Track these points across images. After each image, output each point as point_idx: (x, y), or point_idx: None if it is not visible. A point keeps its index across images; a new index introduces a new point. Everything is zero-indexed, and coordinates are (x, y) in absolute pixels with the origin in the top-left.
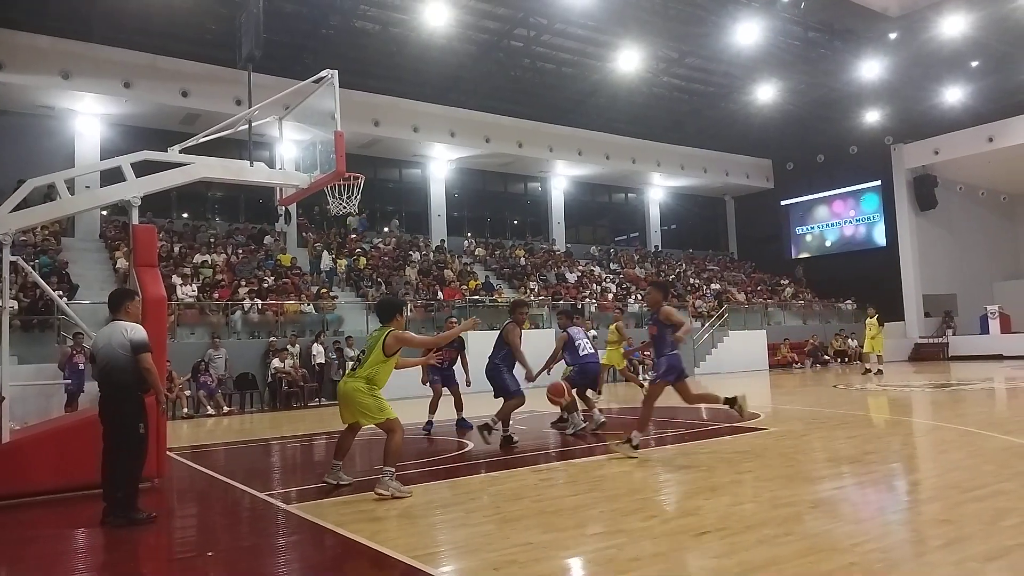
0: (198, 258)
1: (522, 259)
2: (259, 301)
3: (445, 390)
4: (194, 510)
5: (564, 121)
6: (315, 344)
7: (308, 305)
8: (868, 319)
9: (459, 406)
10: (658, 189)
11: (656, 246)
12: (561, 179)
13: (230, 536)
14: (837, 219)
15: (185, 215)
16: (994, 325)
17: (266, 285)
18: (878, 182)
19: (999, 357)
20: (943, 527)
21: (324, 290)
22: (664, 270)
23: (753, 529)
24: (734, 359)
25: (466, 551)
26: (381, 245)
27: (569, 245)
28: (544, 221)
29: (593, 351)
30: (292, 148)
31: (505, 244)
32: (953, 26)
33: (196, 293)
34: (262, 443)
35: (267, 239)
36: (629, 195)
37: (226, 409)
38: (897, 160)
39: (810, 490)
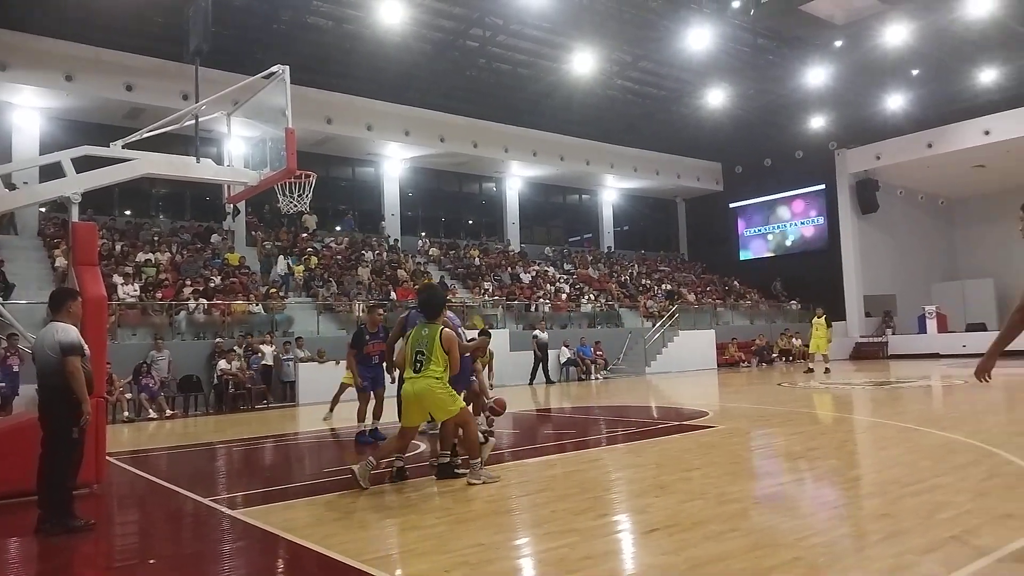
0: (141, 256)
1: (477, 259)
2: (204, 301)
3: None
4: (135, 517)
5: (519, 122)
6: (263, 345)
7: (256, 305)
8: (816, 319)
9: (378, 414)
10: (611, 191)
11: (609, 247)
12: (516, 179)
13: (172, 543)
14: (783, 221)
15: (128, 212)
16: (931, 325)
17: (213, 285)
18: (822, 186)
19: (936, 356)
20: (883, 521)
21: (273, 290)
22: (616, 271)
23: (701, 525)
24: (684, 358)
25: (417, 554)
26: (333, 244)
27: (524, 245)
28: (499, 221)
29: None
30: (241, 145)
31: (460, 244)
32: (895, 35)
33: (138, 293)
34: (206, 447)
35: (214, 237)
36: (583, 196)
37: (169, 412)
38: (840, 164)
39: (756, 486)
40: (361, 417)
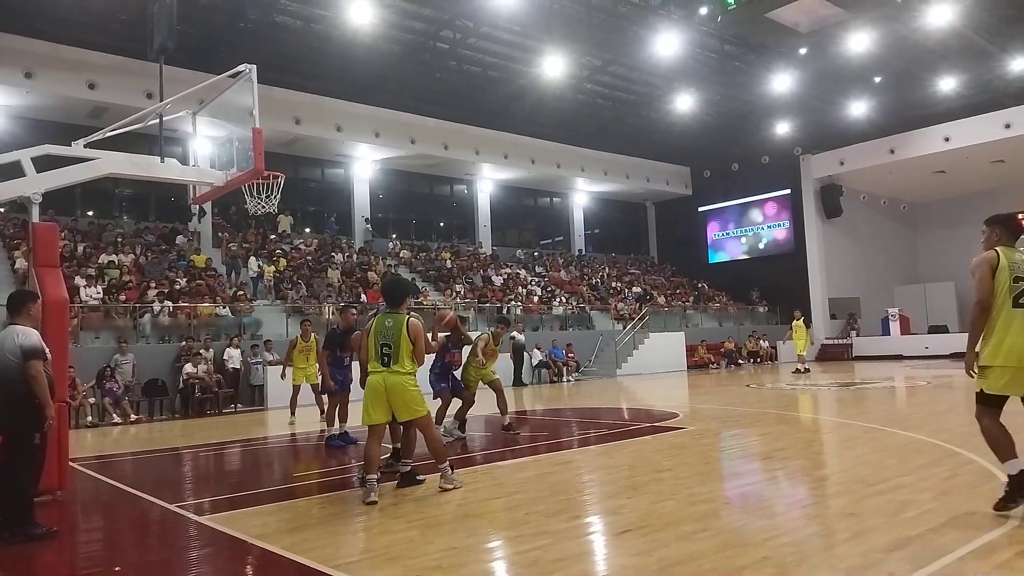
0: (104, 258)
1: (448, 261)
2: (169, 304)
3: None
4: (99, 524)
5: (490, 124)
6: (229, 348)
7: (223, 308)
8: (795, 321)
9: (344, 416)
10: (582, 194)
11: (580, 250)
12: (487, 182)
13: (138, 550)
14: (750, 226)
15: (90, 213)
16: (894, 327)
17: (178, 287)
18: (788, 190)
19: (899, 357)
20: (849, 520)
21: (241, 292)
22: (587, 273)
23: (672, 526)
24: (654, 360)
25: (389, 558)
26: (303, 246)
27: (495, 248)
28: (470, 224)
29: None
30: (207, 144)
31: (431, 246)
32: (858, 43)
33: (101, 295)
34: (172, 452)
35: (179, 239)
36: (554, 199)
37: (133, 417)
38: (805, 170)
39: (726, 486)
40: (330, 421)
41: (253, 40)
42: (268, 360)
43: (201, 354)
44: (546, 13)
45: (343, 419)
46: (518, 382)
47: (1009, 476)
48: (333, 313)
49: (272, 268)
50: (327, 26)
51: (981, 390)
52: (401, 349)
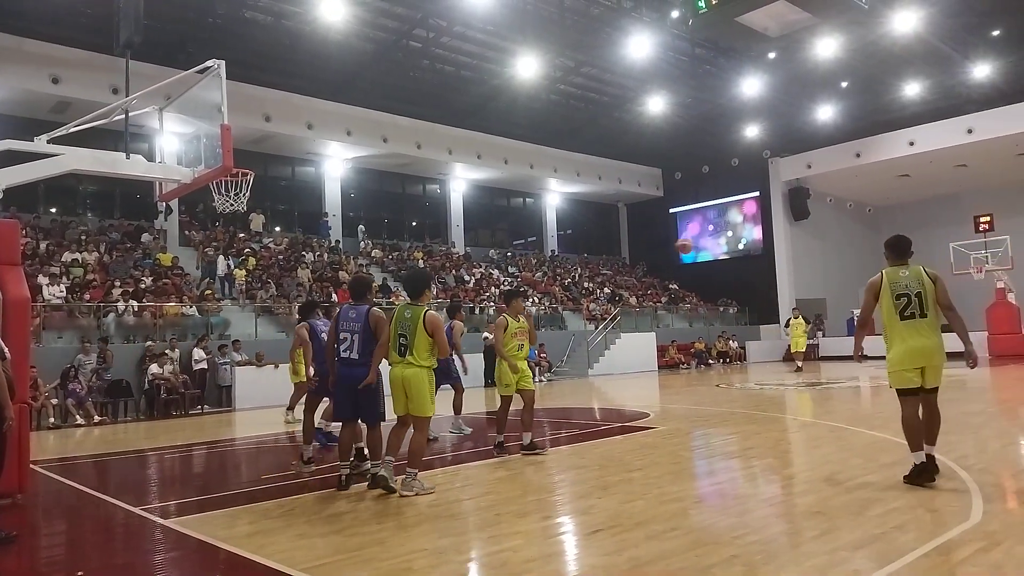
0: (67, 256)
1: (420, 261)
2: (135, 303)
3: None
4: (61, 527)
5: (463, 124)
6: (197, 349)
7: (190, 307)
8: (794, 319)
9: (329, 415)
10: (555, 195)
11: (553, 250)
12: (460, 182)
13: (101, 554)
14: (720, 227)
15: (53, 210)
16: None
17: (143, 286)
18: (757, 193)
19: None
20: (816, 518)
21: (209, 291)
22: (560, 274)
23: (642, 526)
24: (626, 360)
25: (359, 561)
26: (272, 245)
27: (468, 248)
28: (443, 223)
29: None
30: (174, 141)
31: (403, 246)
32: (826, 48)
33: (64, 294)
34: (137, 454)
35: (145, 237)
36: (527, 200)
37: (97, 419)
38: (774, 173)
39: (695, 486)
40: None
41: (223, 36)
42: (236, 361)
43: (167, 354)
44: (519, 14)
45: (326, 417)
46: (489, 382)
47: (913, 464)
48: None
49: (243, 272)
50: (298, 23)
51: (896, 388)
52: (417, 341)
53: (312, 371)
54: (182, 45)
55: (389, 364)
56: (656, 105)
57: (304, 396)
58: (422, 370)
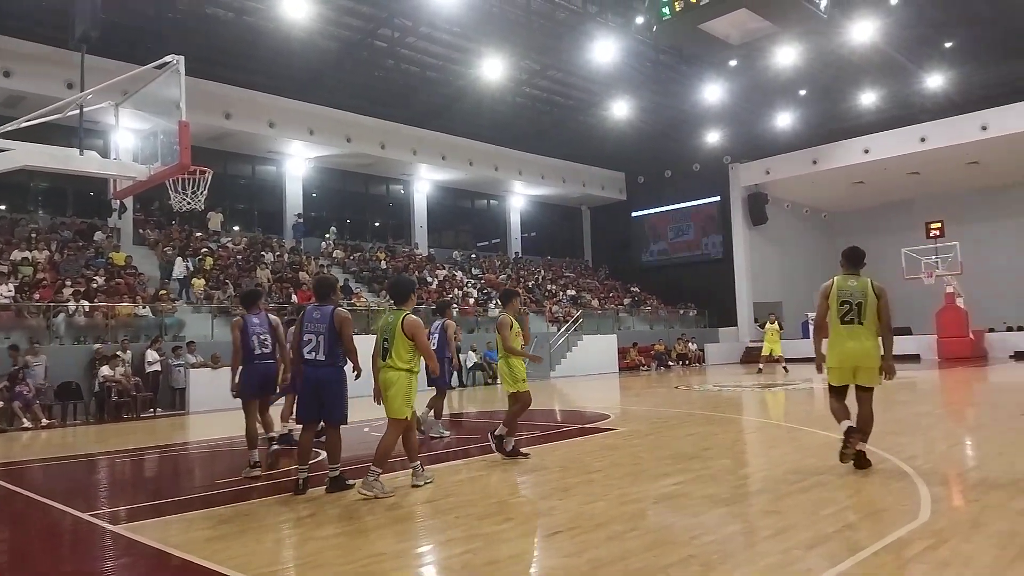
0: (17, 254)
1: (383, 262)
2: (86, 303)
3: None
4: (5, 534)
5: (428, 125)
6: (150, 350)
7: (144, 308)
8: (769, 324)
9: (286, 416)
10: (519, 197)
11: (516, 252)
12: (424, 183)
13: (49, 561)
14: (681, 231)
15: (3, 207)
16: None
17: (95, 285)
18: (717, 198)
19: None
20: (771, 518)
21: (164, 292)
22: (523, 276)
23: (602, 527)
24: (587, 362)
25: (315, 566)
26: (231, 245)
27: (432, 249)
28: (406, 224)
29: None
30: (130, 137)
31: (365, 246)
32: (786, 57)
33: (13, 293)
34: (86, 458)
35: (98, 235)
36: (491, 201)
37: (45, 422)
38: (734, 178)
39: (654, 486)
40: (285, 418)
41: (183, 31)
42: (191, 363)
43: (119, 356)
44: (485, 15)
45: (284, 419)
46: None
47: (843, 433)
48: None
49: (202, 283)
50: (260, 19)
51: (829, 384)
52: (396, 345)
53: (236, 374)
54: (141, 40)
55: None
56: (620, 109)
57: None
58: (400, 373)
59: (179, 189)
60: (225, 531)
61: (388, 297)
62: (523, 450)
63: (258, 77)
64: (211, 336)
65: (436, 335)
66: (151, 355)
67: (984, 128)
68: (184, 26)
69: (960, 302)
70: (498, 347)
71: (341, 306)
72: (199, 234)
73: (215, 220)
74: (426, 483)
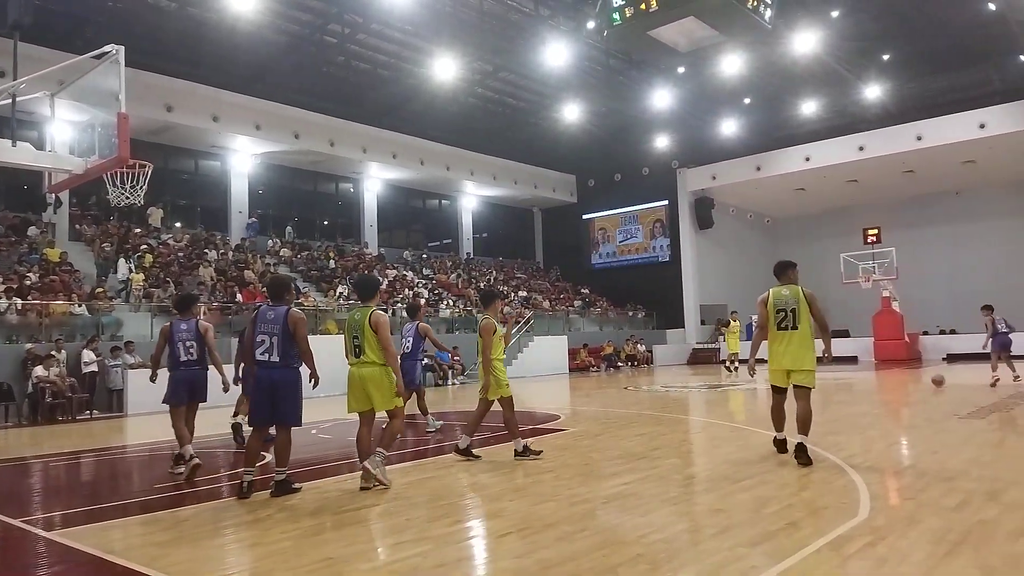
0: None
1: (332, 261)
2: (18, 300)
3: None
4: None
5: (379, 123)
6: (86, 350)
7: (80, 306)
8: (733, 323)
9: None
10: (471, 197)
11: (468, 253)
12: (375, 181)
13: None
14: (630, 234)
15: None
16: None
17: (28, 282)
18: (666, 202)
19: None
20: (717, 516)
21: (101, 290)
22: (475, 277)
23: (552, 527)
24: (538, 363)
25: (259, 572)
26: (172, 242)
27: (382, 249)
28: (356, 223)
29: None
30: (66, 129)
31: (313, 245)
32: (731, 65)
33: None
34: (18, 462)
35: (32, 230)
36: (443, 202)
37: None
38: (681, 183)
39: (604, 486)
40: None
41: (123, 21)
42: (129, 363)
43: (53, 356)
44: (438, 15)
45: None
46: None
47: (775, 438)
48: (205, 313)
49: (141, 277)
50: (205, 10)
51: (770, 384)
52: (366, 340)
53: (154, 375)
54: (79, 29)
55: (349, 365)
56: (571, 113)
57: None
58: (377, 367)
59: (117, 183)
60: (166, 537)
61: (355, 295)
62: (475, 451)
63: (202, 70)
64: (151, 336)
65: (410, 337)
66: (87, 355)
67: (919, 138)
68: (125, 15)
69: (896, 306)
70: (479, 351)
71: (296, 306)
72: (138, 230)
73: (156, 216)
74: (383, 477)
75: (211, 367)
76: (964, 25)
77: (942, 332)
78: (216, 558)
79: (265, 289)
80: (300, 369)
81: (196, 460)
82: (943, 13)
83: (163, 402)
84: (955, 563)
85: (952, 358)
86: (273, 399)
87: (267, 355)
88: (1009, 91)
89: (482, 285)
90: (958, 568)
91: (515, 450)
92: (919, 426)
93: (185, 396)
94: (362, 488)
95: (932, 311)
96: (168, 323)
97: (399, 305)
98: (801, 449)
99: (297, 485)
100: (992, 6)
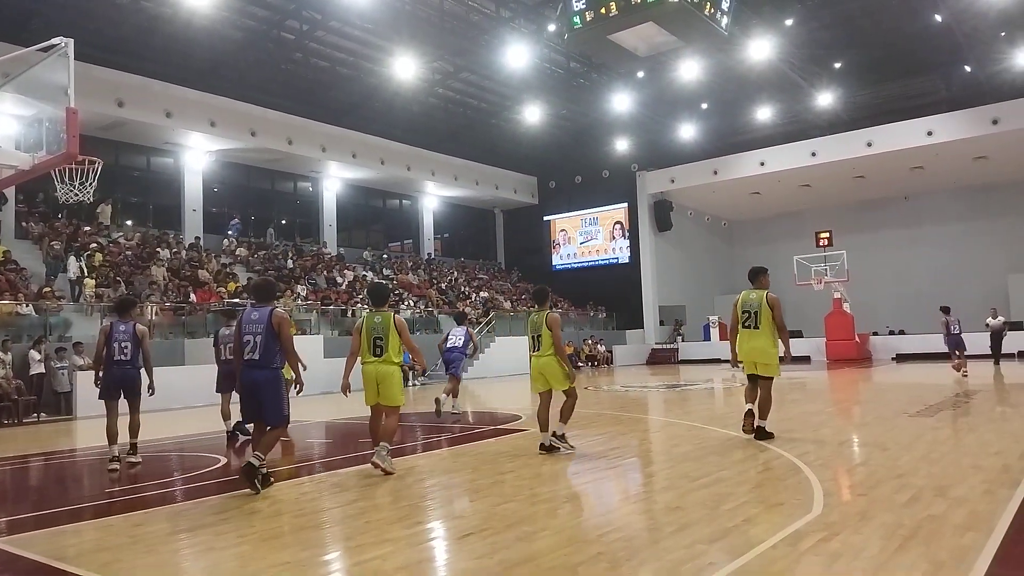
0: None
1: (290, 261)
2: None
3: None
4: None
5: (339, 122)
6: (32, 351)
7: (26, 306)
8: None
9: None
10: (432, 198)
11: (429, 253)
12: (334, 180)
13: None
14: (591, 236)
15: None
16: (714, 333)
17: None
18: (625, 204)
19: (718, 361)
20: (675, 514)
21: (48, 289)
22: (436, 277)
23: (513, 527)
24: (500, 364)
25: None
26: (123, 240)
27: (341, 248)
28: (315, 222)
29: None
30: (12, 123)
31: (270, 244)
32: (689, 71)
33: None
34: None
35: None
36: (404, 202)
37: None
38: (641, 186)
39: (564, 486)
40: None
41: (73, 14)
42: (77, 365)
43: None
44: (398, 13)
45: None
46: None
47: (744, 414)
48: (157, 314)
49: (92, 282)
50: (158, 4)
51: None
52: (391, 341)
53: (98, 376)
54: (25, 21)
55: (362, 363)
56: (533, 114)
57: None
58: (393, 366)
59: (66, 180)
60: (119, 541)
61: (369, 301)
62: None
63: (154, 65)
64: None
65: (460, 335)
66: (34, 356)
67: (869, 144)
68: (75, 8)
69: (847, 307)
70: (546, 345)
71: (282, 307)
72: (88, 228)
73: (105, 213)
74: (389, 467)
75: (143, 369)
76: (913, 36)
77: (891, 332)
78: (171, 563)
79: (368, 291)
80: (282, 371)
81: (132, 459)
82: (893, 24)
83: (98, 398)
84: (906, 557)
85: (901, 358)
86: (256, 398)
87: (251, 354)
88: (955, 100)
89: (443, 286)
90: (909, 562)
91: (555, 432)
92: (870, 424)
93: (115, 391)
94: (372, 463)
95: (881, 312)
96: (108, 323)
97: (359, 305)
98: (760, 430)
99: (270, 477)
100: (939, 18)
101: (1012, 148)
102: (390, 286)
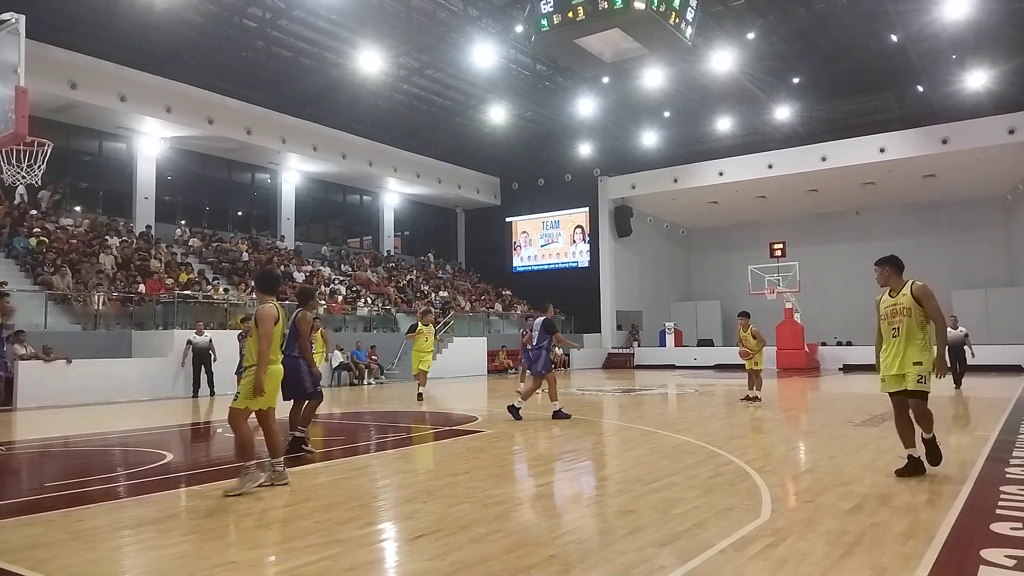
0: None
1: (244, 254)
2: None
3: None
4: None
5: (300, 113)
6: None
7: None
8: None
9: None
10: (394, 194)
11: (389, 251)
12: (293, 173)
13: None
14: (552, 239)
15: None
16: (670, 339)
17: None
18: (587, 208)
19: (672, 366)
20: (627, 517)
21: None
22: (395, 275)
23: (466, 529)
24: (457, 364)
25: (156, 575)
26: (70, 227)
27: (299, 243)
28: (272, 215)
29: None
30: None
31: (225, 236)
32: (653, 79)
33: None
34: None
35: None
36: (364, 197)
37: None
38: (602, 191)
39: (518, 488)
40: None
41: None
42: (19, 354)
43: None
44: (364, 5)
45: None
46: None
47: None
48: (104, 304)
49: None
50: None
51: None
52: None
53: None
54: None
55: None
56: (497, 115)
57: None
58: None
59: (13, 161)
60: (57, 538)
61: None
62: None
63: (109, 47)
64: (44, 325)
65: (537, 331)
66: None
67: (823, 159)
68: None
69: (797, 317)
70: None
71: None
72: (34, 212)
73: (45, 198)
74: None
75: None
76: (869, 54)
77: (839, 343)
78: (111, 560)
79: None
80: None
81: None
82: (851, 42)
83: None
84: (850, 563)
85: (848, 368)
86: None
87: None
88: (907, 118)
89: (402, 284)
90: (853, 568)
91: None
92: (817, 432)
93: None
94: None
95: (830, 323)
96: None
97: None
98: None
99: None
100: (895, 38)
101: (959, 168)
102: (314, 288)
